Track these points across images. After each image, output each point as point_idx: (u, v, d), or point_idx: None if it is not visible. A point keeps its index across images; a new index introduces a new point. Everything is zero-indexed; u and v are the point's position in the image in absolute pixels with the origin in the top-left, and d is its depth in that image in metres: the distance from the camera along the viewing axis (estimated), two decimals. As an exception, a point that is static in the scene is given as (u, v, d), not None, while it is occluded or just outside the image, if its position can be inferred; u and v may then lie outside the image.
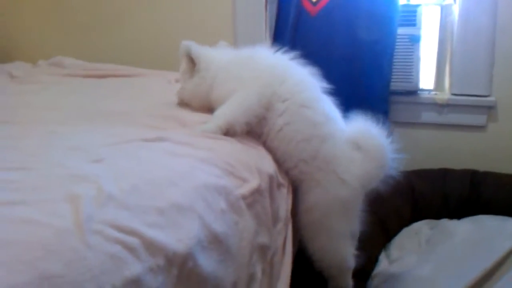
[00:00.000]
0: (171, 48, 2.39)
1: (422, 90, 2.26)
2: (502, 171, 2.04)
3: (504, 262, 1.40)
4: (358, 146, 1.36)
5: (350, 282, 1.44)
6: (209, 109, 1.37)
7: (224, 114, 1.27)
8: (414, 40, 2.19)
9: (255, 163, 1.19)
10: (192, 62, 1.44)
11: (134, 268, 0.71)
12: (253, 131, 1.33)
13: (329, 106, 1.38)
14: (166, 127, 1.27)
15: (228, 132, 1.25)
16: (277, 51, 1.42)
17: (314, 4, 2.26)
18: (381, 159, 1.35)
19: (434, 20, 2.22)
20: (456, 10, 2.14)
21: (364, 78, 2.19)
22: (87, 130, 1.19)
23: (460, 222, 1.74)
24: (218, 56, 1.45)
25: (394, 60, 2.17)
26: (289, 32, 2.28)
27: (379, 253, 1.65)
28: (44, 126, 1.24)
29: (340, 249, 1.40)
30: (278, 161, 1.32)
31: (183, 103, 1.48)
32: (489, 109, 2.16)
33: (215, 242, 0.92)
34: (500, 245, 1.46)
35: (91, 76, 2.03)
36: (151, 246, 0.76)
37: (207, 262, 0.88)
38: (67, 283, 0.62)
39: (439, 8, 2.20)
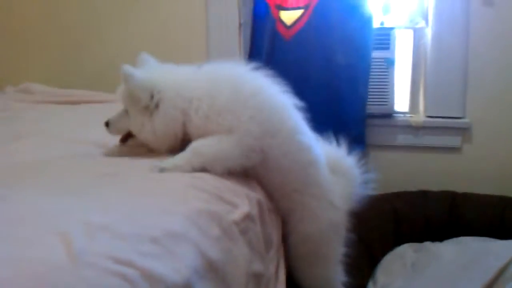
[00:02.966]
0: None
1: (397, 113, 2.27)
2: (478, 192, 2.05)
3: (496, 282, 1.39)
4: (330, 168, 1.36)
5: None
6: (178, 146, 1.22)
7: (201, 156, 1.13)
8: (389, 63, 2.21)
9: (243, 188, 1.15)
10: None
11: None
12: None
13: (308, 132, 1.32)
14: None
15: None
16: (251, 67, 1.29)
17: (289, 28, 2.26)
18: (354, 179, 1.39)
19: (408, 43, 2.25)
20: (429, 33, 2.17)
21: (341, 101, 2.19)
22: (65, 161, 1.13)
23: (444, 244, 1.73)
24: (173, 79, 1.24)
25: (370, 84, 2.17)
26: (264, 55, 2.27)
27: (367, 280, 1.61)
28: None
29: (333, 276, 1.38)
30: (267, 193, 1.26)
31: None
32: (464, 130, 2.18)
33: (212, 270, 0.87)
34: (489, 266, 1.45)
35: (64, 102, 1.96)
36: (150, 278, 0.70)
37: (205, 292, 0.83)
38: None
39: (412, 32, 2.23)
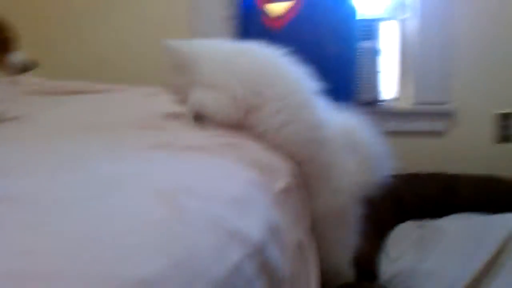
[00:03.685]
0: (132, 60, 2.36)
1: (384, 100, 2.35)
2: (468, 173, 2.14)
3: (503, 251, 1.47)
4: (350, 146, 1.33)
5: None
6: None
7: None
8: (374, 53, 2.29)
9: (278, 160, 1.17)
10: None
11: (234, 254, 0.68)
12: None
13: (324, 109, 1.32)
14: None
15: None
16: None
17: (276, 20, 2.30)
18: (374, 166, 1.34)
19: (394, 34, 2.33)
20: (413, 23, 2.26)
21: (330, 91, 2.23)
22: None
23: (444, 220, 1.81)
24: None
25: (358, 73, 2.24)
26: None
27: (379, 253, 1.67)
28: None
29: (336, 261, 1.36)
30: None
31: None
32: (448, 115, 2.28)
33: (274, 234, 0.88)
34: (495, 236, 1.53)
35: (58, 93, 1.91)
36: (239, 234, 0.72)
37: (274, 254, 0.84)
38: (197, 271, 0.58)
39: (396, 22, 2.32)
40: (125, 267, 0.51)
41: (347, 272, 1.42)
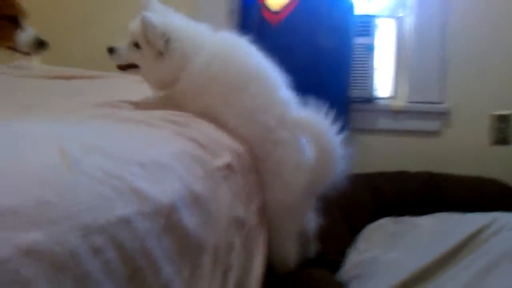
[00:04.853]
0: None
1: (379, 98, 2.35)
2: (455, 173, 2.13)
3: (463, 248, 1.47)
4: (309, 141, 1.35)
5: None
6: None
7: None
8: (369, 49, 2.29)
9: (226, 141, 1.21)
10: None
11: (124, 208, 0.72)
12: None
13: (289, 108, 1.35)
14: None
15: None
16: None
17: (275, 14, 2.33)
18: (329, 167, 1.32)
19: (390, 31, 2.33)
20: (409, 22, 2.26)
21: (324, 86, 2.25)
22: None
23: (422, 218, 1.80)
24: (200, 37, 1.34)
25: (352, 69, 2.25)
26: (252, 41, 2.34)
27: (347, 246, 1.68)
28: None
29: (283, 248, 1.38)
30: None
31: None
32: (443, 115, 2.26)
33: (196, 202, 0.93)
34: (458, 233, 1.52)
35: (57, 77, 2.00)
36: (138, 193, 0.76)
37: (190, 219, 0.88)
38: (61, 210, 0.62)
39: (393, 20, 2.32)
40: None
41: (292, 264, 1.41)
